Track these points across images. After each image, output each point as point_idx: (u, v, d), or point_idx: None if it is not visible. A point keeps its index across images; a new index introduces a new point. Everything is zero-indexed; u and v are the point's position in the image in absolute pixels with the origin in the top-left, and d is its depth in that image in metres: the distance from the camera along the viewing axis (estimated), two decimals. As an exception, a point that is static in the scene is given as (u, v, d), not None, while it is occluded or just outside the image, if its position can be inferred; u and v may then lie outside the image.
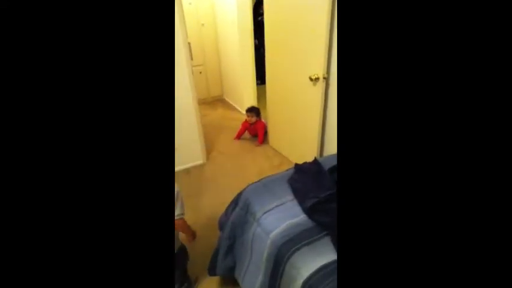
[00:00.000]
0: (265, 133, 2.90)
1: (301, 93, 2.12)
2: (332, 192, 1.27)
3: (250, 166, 2.56)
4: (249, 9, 3.00)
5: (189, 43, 2.21)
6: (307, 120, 2.16)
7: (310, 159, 2.18)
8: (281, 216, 1.22)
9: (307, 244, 1.08)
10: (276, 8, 2.15)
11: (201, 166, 2.56)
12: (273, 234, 1.15)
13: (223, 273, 1.42)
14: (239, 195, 1.45)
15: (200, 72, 3.80)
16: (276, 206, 1.28)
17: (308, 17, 1.85)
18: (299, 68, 2.07)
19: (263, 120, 2.96)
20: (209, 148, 2.76)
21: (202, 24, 3.63)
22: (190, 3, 3.40)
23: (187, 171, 2.50)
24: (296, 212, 1.24)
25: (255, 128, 2.94)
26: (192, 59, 2.33)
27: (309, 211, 1.22)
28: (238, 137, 3.01)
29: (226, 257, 1.41)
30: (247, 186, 1.45)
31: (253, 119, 2.88)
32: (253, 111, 2.89)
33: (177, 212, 1.15)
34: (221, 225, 1.56)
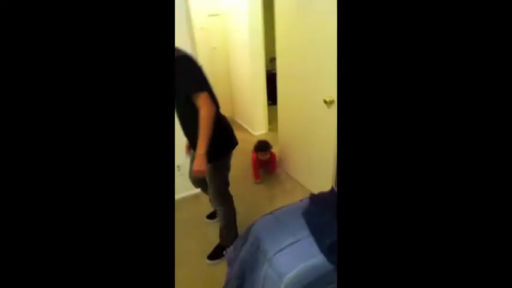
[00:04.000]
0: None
1: (315, 116, 2.02)
2: (352, 229, 1.14)
3: (261, 191, 2.44)
4: (260, 31, 2.99)
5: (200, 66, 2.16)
6: (321, 144, 2.05)
7: (324, 185, 2.05)
8: (296, 257, 1.09)
9: (327, 293, 0.94)
10: (288, 29, 2.10)
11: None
12: (287, 278, 1.02)
13: (232, 317, 1.28)
14: (249, 229, 1.33)
15: (211, 94, 3.77)
16: (290, 244, 1.15)
17: (321, 38, 1.78)
18: (313, 90, 1.98)
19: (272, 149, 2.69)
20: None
21: (214, 48, 3.64)
22: (202, 28, 3.43)
23: (195, 196, 2.40)
24: (313, 251, 1.11)
25: (267, 161, 2.67)
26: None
27: (327, 251, 1.09)
28: (258, 176, 2.61)
29: (235, 298, 1.27)
30: (258, 220, 1.33)
31: (267, 155, 2.58)
32: (266, 149, 2.54)
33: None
34: (229, 261, 1.43)
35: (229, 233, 1.73)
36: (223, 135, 1.46)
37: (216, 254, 1.78)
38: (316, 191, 1.48)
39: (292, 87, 2.27)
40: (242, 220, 1.66)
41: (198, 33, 2.63)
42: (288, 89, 2.33)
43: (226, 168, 1.56)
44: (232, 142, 1.54)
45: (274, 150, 2.63)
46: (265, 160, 2.60)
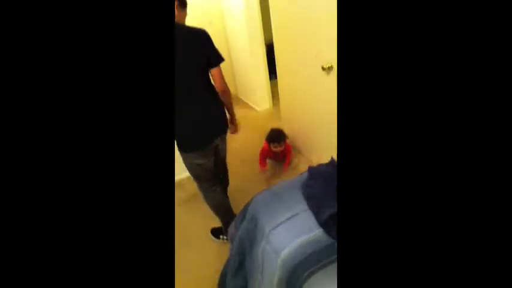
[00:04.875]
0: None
1: (314, 85, 1.92)
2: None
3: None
4: (256, 3, 2.82)
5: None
6: (322, 114, 1.96)
7: (329, 156, 1.99)
8: (293, 232, 1.05)
9: (324, 267, 0.91)
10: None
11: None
12: (284, 254, 0.98)
13: (235, 293, 1.28)
14: (247, 206, 1.30)
15: (211, 72, 3.67)
16: (287, 219, 1.11)
17: (318, 3, 1.65)
18: (310, 58, 1.87)
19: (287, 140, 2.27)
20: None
21: (210, 22, 3.49)
22: (197, 2, 3.27)
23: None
24: (310, 225, 1.07)
25: (283, 154, 2.27)
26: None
27: (324, 225, 1.04)
28: (264, 163, 2.25)
29: (237, 275, 1.26)
30: (255, 196, 1.29)
31: (282, 147, 2.17)
32: (279, 140, 2.12)
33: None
34: (231, 238, 1.42)
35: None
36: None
37: (218, 231, 1.79)
38: (320, 160, 1.43)
39: (290, 58, 2.15)
40: (244, 196, 1.63)
41: (193, 8, 2.51)
42: (287, 60, 2.22)
43: None
44: None
45: (278, 124, 2.47)
46: (278, 152, 2.22)
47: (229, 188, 1.87)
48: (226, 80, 1.42)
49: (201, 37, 1.28)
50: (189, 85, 1.28)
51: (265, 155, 2.25)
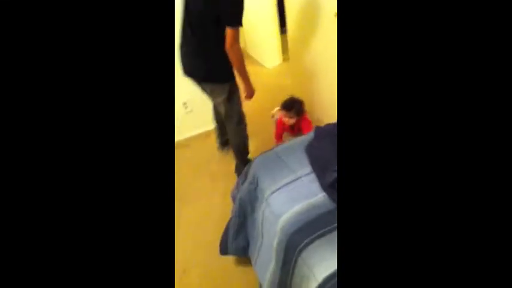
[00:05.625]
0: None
1: (325, 34, 1.74)
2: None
3: (271, 126, 2.27)
4: None
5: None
6: (330, 66, 1.80)
7: (332, 113, 1.88)
8: (294, 196, 0.99)
9: (323, 235, 0.85)
10: None
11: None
12: (283, 219, 0.93)
13: (235, 253, 1.27)
14: (248, 167, 1.23)
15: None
16: (290, 182, 1.04)
17: None
18: (322, 3, 1.66)
19: (307, 113, 1.94)
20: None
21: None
22: None
23: (205, 135, 2.32)
24: (313, 189, 1.00)
25: (298, 128, 1.97)
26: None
27: (329, 189, 0.97)
28: (280, 137, 2.03)
29: (238, 236, 1.24)
30: (258, 157, 1.22)
31: (293, 119, 1.86)
32: (292, 109, 1.81)
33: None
34: (233, 198, 1.38)
35: (243, 152, 1.80)
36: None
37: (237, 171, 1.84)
38: (323, 121, 1.32)
39: (301, 6, 1.93)
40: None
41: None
42: (297, 9, 2.00)
43: (237, 87, 1.60)
44: None
45: (288, 83, 2.24)
46: (293, 125, 1.92)
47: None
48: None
49: None
50: (200, 27, 1.32)
51: (280, 127, 1.98)
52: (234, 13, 1.24)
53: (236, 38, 1.28)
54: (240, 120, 1.67)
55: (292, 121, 1.85)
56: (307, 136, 1.26)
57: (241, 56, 1.36)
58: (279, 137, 2.02)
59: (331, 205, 0.93)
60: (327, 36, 1.75)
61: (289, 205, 0.96)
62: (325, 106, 2.08)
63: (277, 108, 1.94)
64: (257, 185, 1.13)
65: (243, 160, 1.80)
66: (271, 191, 1.04)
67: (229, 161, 1.99)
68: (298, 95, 1.93)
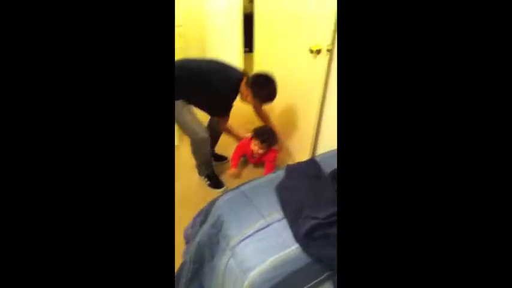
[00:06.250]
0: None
1: (298, 68, 1.71)
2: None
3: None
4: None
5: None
6: (302, 102, 1.77)
7: (302, 150, 1.83)
8: (264, 247, 0.87)
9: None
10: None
11: (175, 148, 2.16)
12: (252, 276, 0.81)
13: (188, 304, 1.09)
14: (210, 205, 1.09)
15: (179, 35, 3.25)
16: (259, 230, 0.93)
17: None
18: (297, 36, 1.64)
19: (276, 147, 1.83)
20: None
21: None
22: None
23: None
24: (286, 239, 0.89)
25: (261, 158, 1.85)
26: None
27: (303, 239, 0.88)
28: (236, 164, 1.88)
29: (192, 282, 1.07)
30: (221, 196, 1.08)
31: (262, 150, 1.75)
32: (266, 141, 1.70)
33: None
34: (187, 238, 1.22)
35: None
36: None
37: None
38: (295, 158, 1.25)
39: (272, 32, 1.90)
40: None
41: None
42: (267, 33, 1.96)
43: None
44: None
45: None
46: (260, 154, 1.78)
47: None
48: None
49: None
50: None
51: (241, 150, 1.83)
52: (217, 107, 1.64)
53: (221, 121, 1.74)
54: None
55: (260, 151, 1.74)
56: (277, 174, 1.17)
57: (227, 130, 1.82)
58: (236, 161, 1.87)
59: (307, 259, 0.84)
60: (297, 69, 1.72)
61: (260, 259, 0.84)
62: (292, 138, 2.03)
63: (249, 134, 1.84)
64: (220, 229, 0.99)
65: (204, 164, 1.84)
66: (238, 238, 0.91)
67: (188, 182, 1.83)
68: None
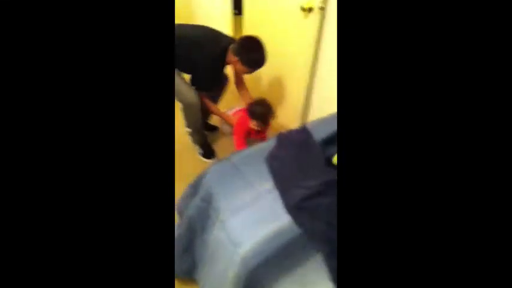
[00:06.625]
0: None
1: (288, 29, 1.60)
2: (328, 180, 0.89)
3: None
4: None
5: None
6: (292, 67, 1.68)
7: (295, 117, 1.78)
8: (255, 220, 0.85)
9: (292, 269, 0.74)
10: None
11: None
12: (244, 251, 0.79)
13: (182, 275, 1.10)
14: (200, 178, 1.06)
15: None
16: (249, 202, 0.90)
17: None
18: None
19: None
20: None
21: None
22: None
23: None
24: (276, 211, 0.87)
25: (264, 133, 1.79)
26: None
27: (293, 210, 0.86)
28: (243, 144, 1.69)
29: (183, 257, 1.07)
30: (211, 167, 1.05)
31: (257, 127, 1.65)
32: (257, 119, 1.60)
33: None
34: (180, 211, 1.20)
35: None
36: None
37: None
38: (286, 126, 1.20)
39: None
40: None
41: None
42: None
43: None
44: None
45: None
46: (262, 129, 1.70)
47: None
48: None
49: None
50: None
51: (244, 133, 1.68)
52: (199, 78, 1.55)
53: (202, 96, 1.61)
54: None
55: (256, 128, 1.64)
56: (268, 143, 1.12)
57: (207, 104, 1.68)
58: (242, 140, 1.68)
59: (299, 230, 0.82)
60: (288, 28, 1.61)
61: (250, 232, 0.82)
62: (288, 108, 1.96)
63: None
64: (210, 202, 0.97)
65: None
66: (228, 212, 0.89)
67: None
68: (253, 86, 1.77)
